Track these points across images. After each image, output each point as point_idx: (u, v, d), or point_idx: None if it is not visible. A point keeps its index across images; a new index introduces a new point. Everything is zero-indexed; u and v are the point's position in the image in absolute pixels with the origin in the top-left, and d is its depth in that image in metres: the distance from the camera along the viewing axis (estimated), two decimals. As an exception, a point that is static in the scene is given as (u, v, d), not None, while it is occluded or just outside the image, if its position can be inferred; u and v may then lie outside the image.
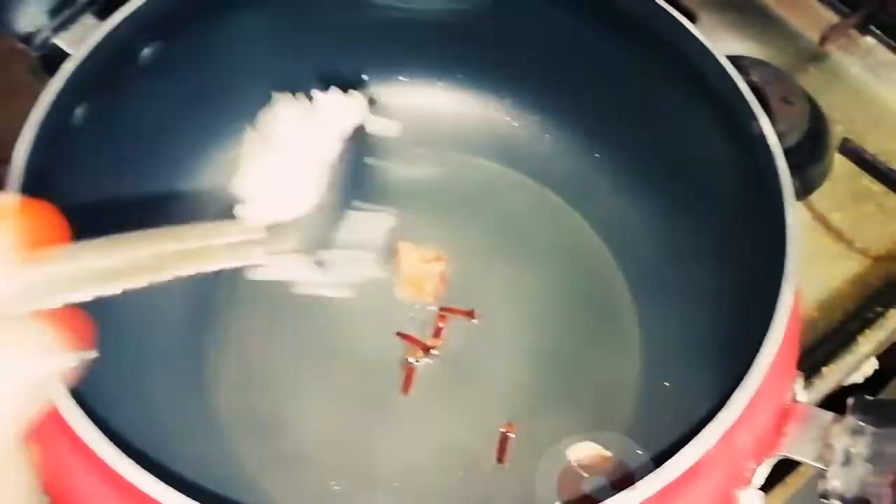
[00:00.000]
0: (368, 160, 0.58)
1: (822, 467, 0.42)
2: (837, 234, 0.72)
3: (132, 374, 0.53)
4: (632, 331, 0.60)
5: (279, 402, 0.56)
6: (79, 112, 0.52)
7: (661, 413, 0.56)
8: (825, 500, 0.41)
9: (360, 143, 0.47)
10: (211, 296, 0.59)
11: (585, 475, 0.54)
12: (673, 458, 0.39)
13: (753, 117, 0.48)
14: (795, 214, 0.45)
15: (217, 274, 0.56)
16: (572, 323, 0.60)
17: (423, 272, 0.60)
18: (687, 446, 0.39)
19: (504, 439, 0.55)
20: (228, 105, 0.62)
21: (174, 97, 0.59)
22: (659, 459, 0.39)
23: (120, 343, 0.54)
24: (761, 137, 0.47)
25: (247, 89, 0.62)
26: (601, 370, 0.59)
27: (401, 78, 0.66)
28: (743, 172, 0.51)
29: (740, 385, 0.41)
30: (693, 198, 0.58)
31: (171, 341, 0.57)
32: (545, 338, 0.60)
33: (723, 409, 0.40)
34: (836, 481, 0.41)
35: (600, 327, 0.60)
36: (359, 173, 0.51)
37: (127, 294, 0.55)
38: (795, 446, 0.43)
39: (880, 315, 0.66)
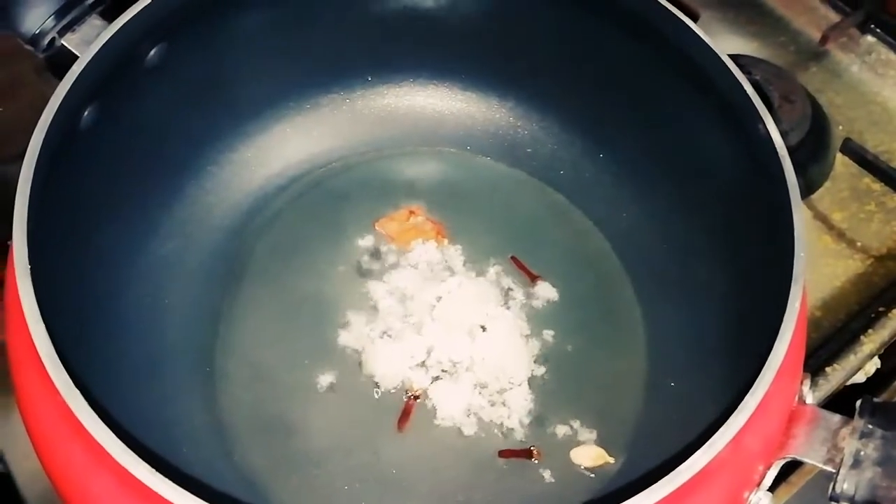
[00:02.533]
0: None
1: (832, 470, 0.42)
2: (839, 234, 0.72)
3: (141, 374, 0.54)
4: (636, 331, 0.60)
5: (287, 403, 0.56)
6: (87, 114, 0.52)
7: (667, 414, 0.56)
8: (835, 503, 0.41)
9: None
10: (219, 296, 0.59)
11: (592, 476, 0.54)
12: (684, 462, 0.39)
13: (759, 119, 0.48)
14: (802, 217, 0.45)
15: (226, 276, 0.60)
16: (576, 323, 0.60)
17: (410, 229, 0.61)
18: (698, 451, 0.39)
19: (408, 407, 0.55)
20: (233, 106, 0.63)
21: (179, 99, 0.59)
22: (668, 464, 0.39)
23: (128, 343, 0.54)
24: (767, 139, 0.47)
25: (251, 90, 0.62)
26: (606, 370, 0.59)
27: (404, 79, 0.66)
28: (748, 172, 0.51)
29: (751, 387, 0.41)
30: (697, 198, 0.58)
31: (179, 341, 0.57)
32: (549, 337, 0.59)
33: (734, 412, 0.40)
34: (846, 484, 0.41)
35: (605, 327, 0.60)
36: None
37: (135, 294, 0.57)
38: (804, 449, 0.43)
39: (883, 314, 0.66)
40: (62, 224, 0.50)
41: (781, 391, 0.43)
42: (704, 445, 0.39)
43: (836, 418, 0.43)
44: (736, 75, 0.51)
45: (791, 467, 0.55)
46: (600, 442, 0.56)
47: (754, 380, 0.41)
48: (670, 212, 0.60)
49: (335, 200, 0.64)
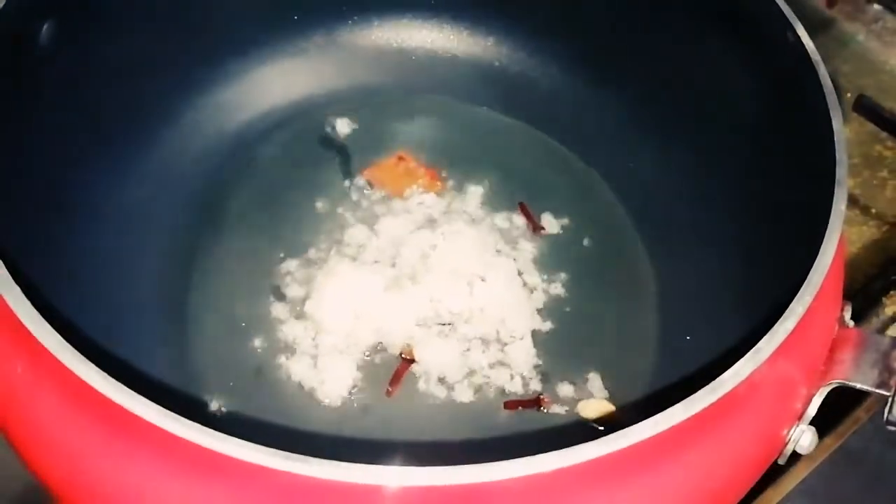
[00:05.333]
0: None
1: (886, 393, 0.37)
2: (853, 201, 0.69)
3: (110, 327, 0.48)
4: (647, 284, 0.55)
5: (265, 358, 0.51)
6: (45, 29, 0.47)
7: (682, 371, 0.51)
8: (893, 427, 0.37)
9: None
10: (194, 246, 0.54)
11: (601, 429, 0.49)
12: (709, 383, 0.34)
13: (788, 26, 0.44)
14: (840, 121, 0.40)
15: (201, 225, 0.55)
16: (582, 276, 0.56)
17: (402, 175, 0.57)
18: (729, 370, 0.34)
19: (400, 371, 0.50)
20: (212, 44, 0.58)
21: (151, 30, 0.55)
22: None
23: (96, 294, 0.49)
24: (797, 45, 0.43)
25: (232, 27, 0.58)
26: (619, 325, 0.54)
27: (393, 18, 0.62)
28: (773, 94, 0.47)
29: (790, 305, 0.36)
30: (714, 137, 0.54)
31: (150, 293, 0.52)
32: (553, 291, 0.55)
33: (769, 333, 0.35)
34: (903, 407, 0.36)
35: (613, 281, 0.56)
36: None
37: (103, 242, 0.51)
38: (852, 373, 0.38)
39: (904, 278, 0.63)
40: (16, 163, 0.45)
41: (822, 311, 0.39)
42: (737, 363, 0.34)
43: (887, 340, 0.39)
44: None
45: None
46: (612, 401, 0.51)
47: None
48: (682, 157, 0.56)
49: (320, 148, 0.59)
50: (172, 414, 0.29)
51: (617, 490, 0.32)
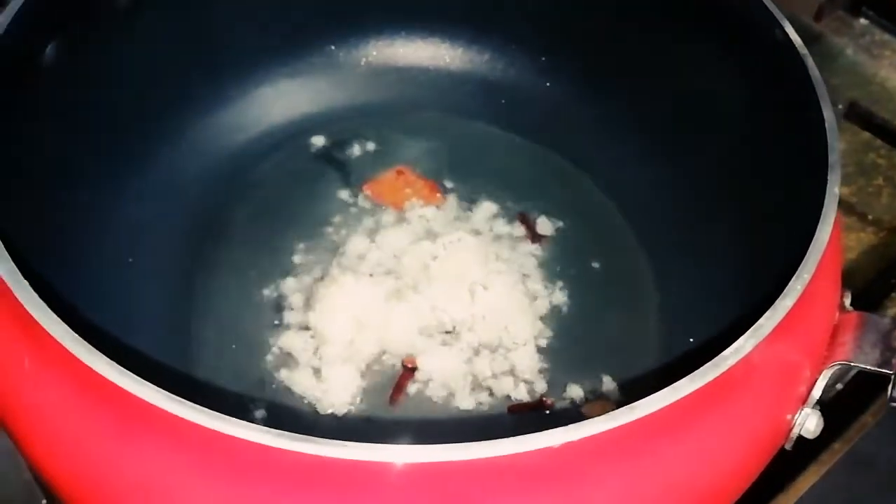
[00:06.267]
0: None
1: (888, 372, 0.37)
2: (848, 208, 0.70)
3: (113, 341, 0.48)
4: (647, 287, 0.56)
5: (271, 371, 0.51)
6: (49, 49, 0.48)
7: (688, 370, 0.51)
8: (896, 404, 0.37)
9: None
10: (196, 262, 0.55)
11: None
12: (711, 360, 0.34)
13: (775, 23, 0.45)
14: (830, 111, 0.41)
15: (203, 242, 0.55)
16: (583, 283, 0.56)
17: (402, 188, 0.58)
18: (728, 349, 0.35)
19: (403, 380, 0.50)
20: (212, 67, 0.59)
21: (153, 53, 0.56)
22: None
23: (99, 310, 0.49)
24: (785, 43, 0.44)
25: (232, 51, 0.59)
26: (622, 329, 0.54)
27: (389, 37, 0.63)
28: (762, 87, 0.48)
29: (789, 283, 0.36)
30: (705, 134, 0.55)
31: (153, 309, 0.52)
32: (555, 298, 0.55)
33: (769, 309, 0.36)
34: (905, 386, 0.36)
35: (614, 286, 0.56)
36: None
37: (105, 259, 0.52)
38: (854, 354, 0.38)
39: (904, 281, 0.63)
40: (21, 179, 0.46)
41: (822, 292, 0.39)
42: (738, 340, 0.34)
43: (887, 321, 0.39)
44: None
45: (820, 444, 0.51)
46: (617, 404, 0.51)
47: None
48: (678, 160, 0.57)
49: (319, 164, 0.60)
50: (183, 400, 0.30)
51: (624, 468, 0.32)
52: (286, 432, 0.29)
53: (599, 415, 0.48)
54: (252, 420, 0.46)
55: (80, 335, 0.32)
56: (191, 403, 0.29)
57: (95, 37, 0.51)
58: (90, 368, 0.30)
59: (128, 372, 0.30)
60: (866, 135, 0.71)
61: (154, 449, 0.31)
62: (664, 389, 0.32)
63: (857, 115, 0.68)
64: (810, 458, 0.54)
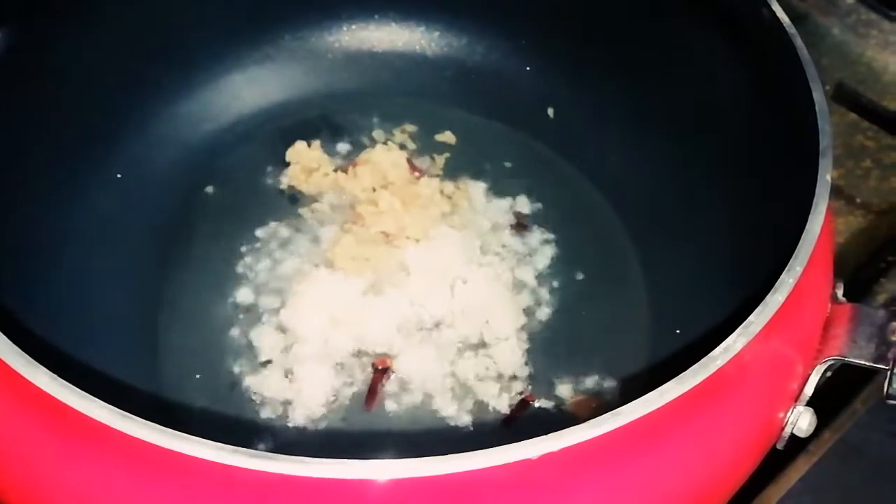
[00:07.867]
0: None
1: (884, 367, 0.36)
2: (837, 191, 0.68)
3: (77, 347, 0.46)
4: (635, 278, 0.54)
5: (242, 373, 0.49)
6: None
7: (677, 363, 0.50)
8: (894, 402, 0.35)
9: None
10: (163, 260, 0.53)
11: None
12: (703, 359, 0.32)
13: (761, 2, 0.43)
14: (820, 90, 0.39)
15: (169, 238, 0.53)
16: (569, 274, 0.54)
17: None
18: (718, 347, 0.33)
19: (375, 383, 0.48)
20: (177, 55, 0.57)
21: (112, 39, 0.53)
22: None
23: (61, 314, 0.47)
24: (773, 22, 0.42)
25: (200, 37, 0.57)
26: (609, 321, 0.52)
27: (363, 20, 0.61)
28: (751, 69, 0.46)
29: (780, 277, 0.35)
30: (691, 120, 0.53)
31: (119, 310, 0.50)
32: (540, 290, 0.53)
33: (759, 305, 0.34)
34: (901, 381, 0.35)
35: (601, 277, 0.54)
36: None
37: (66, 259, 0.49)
38: (848, 349, 0.37)
39: (893, 264, 0.62)
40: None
41: (814, 286, 0.37)
42: (728, 338, 0.32)
43: (882, 313, 0.38)
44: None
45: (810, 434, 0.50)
46: (605, 398, 0.49)
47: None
48: (664, 146, 0.55)
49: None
50: (127, 414, 0.28)
51: (609, 474, 0.31)
52: (243, 448, 0.27)
53: (587, 411, 0.48)
54: (217, 427, 0.46)
55: (36, 342, 0.30)
56: (139, 419, 0.27)
57: (50, 23, 0.48)
58: (32, 383, 0.28)
59: (72, 386, 0.28)
60: (853, 116, 0.69)
61: (101, 467, 0.29)
62: (650, 393, 0.30)
63: (844, 96, 0.66)
64: (800, 448, 0.53)
